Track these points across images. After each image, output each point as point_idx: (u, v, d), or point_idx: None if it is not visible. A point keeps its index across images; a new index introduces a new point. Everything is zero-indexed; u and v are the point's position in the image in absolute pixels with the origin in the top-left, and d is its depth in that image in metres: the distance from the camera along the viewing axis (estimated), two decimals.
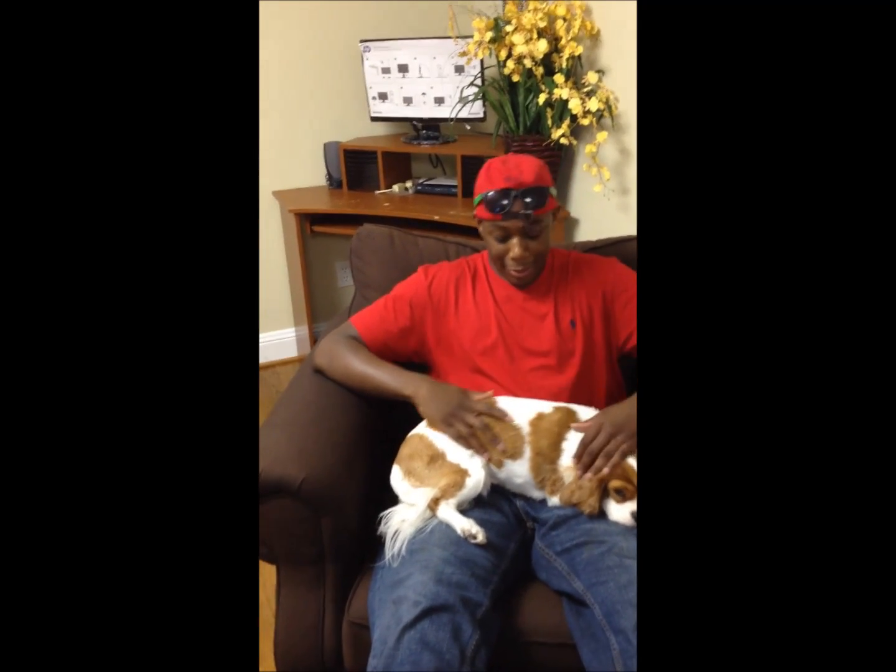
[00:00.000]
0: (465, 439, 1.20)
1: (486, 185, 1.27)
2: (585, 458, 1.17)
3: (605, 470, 1.15)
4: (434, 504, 1.16)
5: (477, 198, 1.30)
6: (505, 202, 1.24)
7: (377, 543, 1.16)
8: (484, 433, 1.21)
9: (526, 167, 1.26)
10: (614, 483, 1.13)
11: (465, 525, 1.12)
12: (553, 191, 1.29)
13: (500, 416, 1.22)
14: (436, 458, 1.21)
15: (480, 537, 1.11)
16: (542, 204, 1.25)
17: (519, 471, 1.22)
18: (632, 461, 1.13)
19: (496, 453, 1.21)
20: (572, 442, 1.20)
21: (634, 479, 1.12)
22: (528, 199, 1.23)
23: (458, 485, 1.16)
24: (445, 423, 1.22)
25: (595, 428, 1.18)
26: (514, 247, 1.27)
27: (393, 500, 1.23)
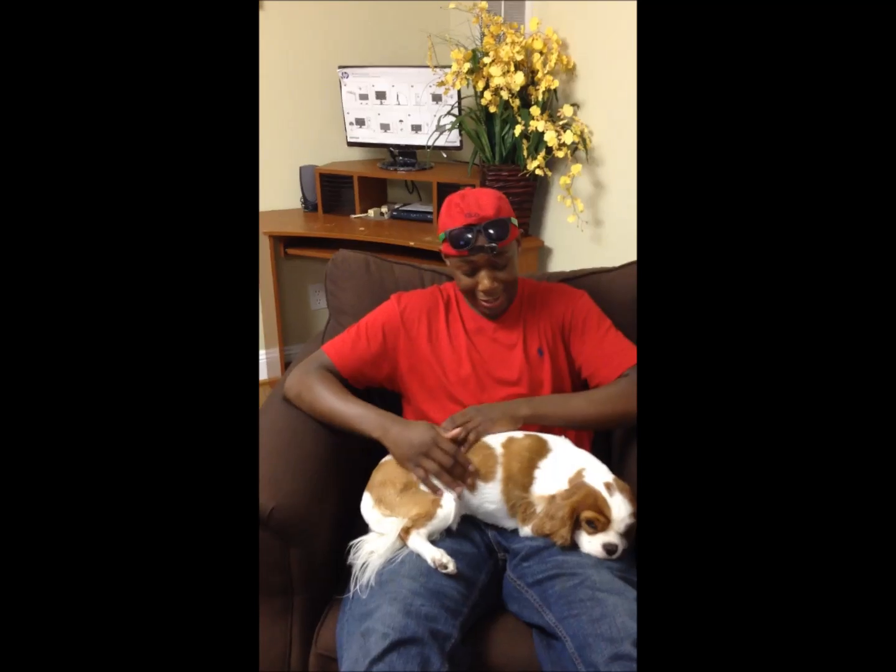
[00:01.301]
0: (432, 478, 1.19)
1: (448, 222, 1.29)
2: (446, 423, 1.26)
3: (458, 431, 1.23)
4: (405, 534, 1.15)
5: (441, 235, 1.31)
6: (469, 237, 1.25)
7: (347, 574, 1.14)
8: (454, 469, 1.19)
9: (485, 201, 1.27)
10: (586, 514, 1.13)
11: (435, 555, 1.11)
12: (514, 220, 1.31)
13: (465, 466, 1.20)
14: (409, 485, 1.20)
15: (451, 567, 1.10)
16: (505, 235, 1.27)
17: (491, 495, 1.21)
18: (604, 493, 1.14)
19: (470, 484, 1.21)
20: (545, 471, 1.20)
21: (606, 511, 1.12)
22: (490, 232, 1.25)
23: (429, 515, 1.15)
24: (413, 464, 1.20)
25: (465, 410, 1.29)
26: (483, 279, 1.29)
27: (364, 527, 1.22)
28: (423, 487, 1.20)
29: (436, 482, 1.19)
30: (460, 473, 1.19)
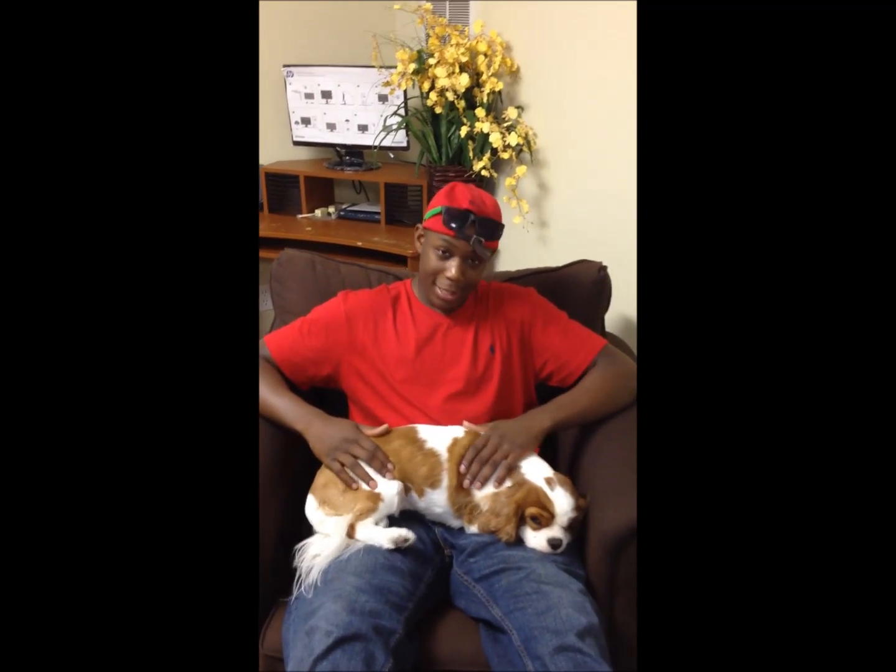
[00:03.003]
0: (346, 474, 1.21)
1: (448, 201, 1.30)
2: (474, 466, 1.21)
3: (491, 481, 1.20)
4: (351, 530, 1.15)
5: (435, 209, 1.31)
6: (463, 221, 1.26)
7: (292, 576, 1.13)
8: (372, 461, 1.21)
9: (489, 201, 1.32)
10: (531, 510, 1.15)
11: (391, 534, 1.13)
12: (502, 229, 1.33)
13: (383, 461, 1.22)
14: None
15: (411, 537, 1.14)
16: (494, 238, 1.30)
17: (438, 500, 1.22)
18: (546, 488, 1.16)
19: (416, 486, 1.22)
20: None
21: (550, 507, 1.15)
22: (484, 227, 1.27)
23: (373, 508, 1.17)
24: (329, 458, 1.22)
25: (485, 437, 1.23)
26: (453, 267, 1.29)
27: (309, 530, 1.21)
28: (363, 486, 1.20)
29: (366, 468, 1.20)
30: (378, 467, 1.21)
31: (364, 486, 1.19)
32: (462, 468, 1.21)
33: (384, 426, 1.27)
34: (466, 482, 1.20)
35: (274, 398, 1.29)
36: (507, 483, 1.20)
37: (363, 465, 1.21)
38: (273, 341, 1.37)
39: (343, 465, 1.21)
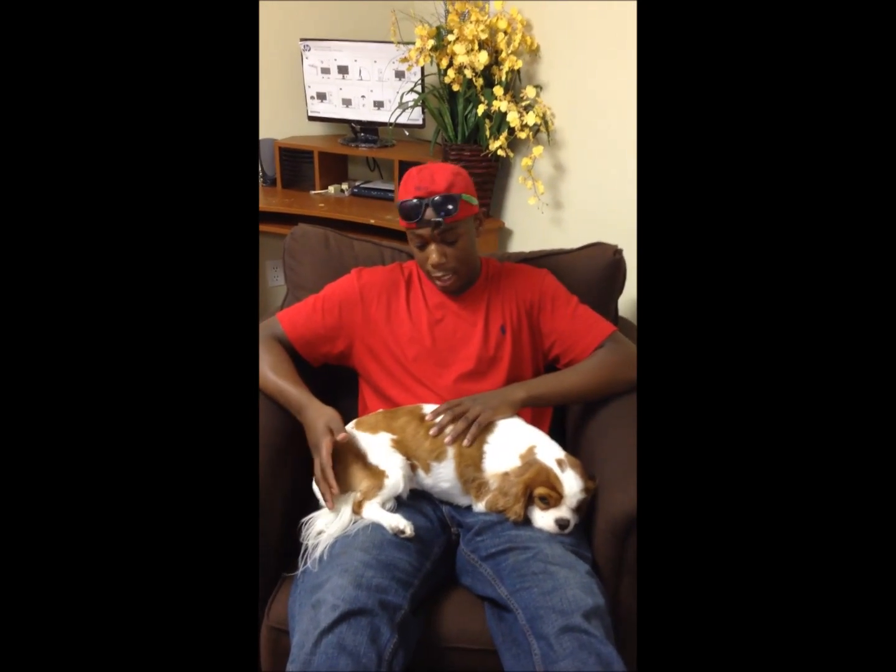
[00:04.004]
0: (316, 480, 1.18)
1: (402, 194, 1.30)
2: (445, 417, 1.22)
3: (464, 437, 1.20)
4: (357, 507, 1.16)
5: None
6: (416, 211, 1.26)
7: (298, 551, 1.14)
8: (319, 482, 1.17)
9: (439, 176, 1.28)
10: (539, 490, 1.15)
11: (391, 521, 1.13)
12: (468, 197, 1.30)
13: (331, 484, 1.15)
14: (356, 460, 1.20)
15: (409, 531, 1.12)
16: (453, 212, 1.27)
17: (444, 474, 1.22)
18: (556, 469, 1.15)
19: (421, 462, 1.22)
20: (493, 446, 1.22)
21: (559, 487, 1.14)
22: (439, 207, 1.26)
23: (379, 485, 1.17)
24: (314, 452, 1.20)
25: (461, 399, 1.27)
26: (432, 254, 1.30)
27: (317, 505, 1.21)
28: (371, 461, 1.20)
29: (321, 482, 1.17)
30: (323, 489, 1.16)
31: (321, 500, 1.18)
32: (428, 417, 1.24)
33: (344, 434, 1.18)
34: (433, 430, 1.21)
35: (275, 378, 1.28)
36: (490, 444, 1.22)
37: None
38: (286, 318, 1.37)
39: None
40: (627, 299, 1.70)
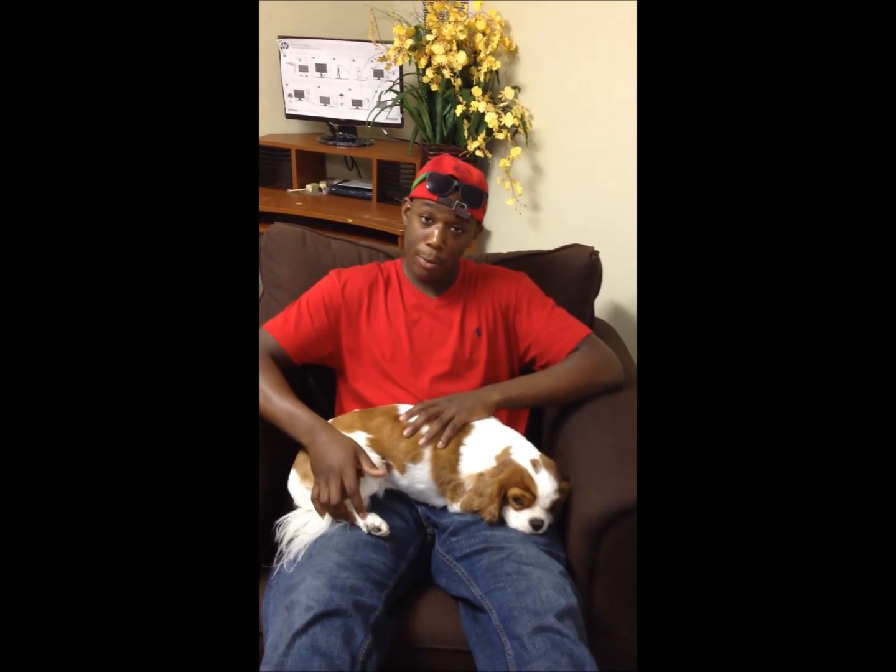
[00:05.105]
0: (322, 504, 1.13)
1: (435, 167, 1.31)
2: (419, 418, 1.22)
3: (439, 438, 1.20)
4: None
5: (420, 177, 1.32)
6: (446, 186, 1.28)
7: (273, 551, 1.13)
8: (337, 507, 1.12)
9: (475, 171, 1.34)
10: (513, 491, 1.16)
11: (367, 519, 1.12)
12: (486, 199, 1.34)
13: (360, 507, 1.13)
14: None
15: (384, 529, 1.12)
16: (477, 205, 1.31)
17: (420, 476, 1.22)
18: (530, 470, 1.16)
19: (397, 462, 1.22)
20: (470, 448, 1.22)
21: (533, 488, 1.15)
22: (467, 194, 1.29)
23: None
24: (319, 479, 1.14)
25: (435, 399, 1.27)
26: (435, 232, 1.30)
27: (292, 505, 1.21)
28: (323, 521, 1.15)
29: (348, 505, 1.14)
30: (341, 513, 1.14)
31: (322, 520, 1.14)
32: (403, 417, 1.24)
33: (381, 471, 1.17)
34: (407, 431, 1.22)
35: (279, 402, 1.22)
36: (467, 444, 1.22)
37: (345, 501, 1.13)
38: (276, 330, 1.33)
39: (318, 493, 1.13)
40: (603, 301, 1.71)
